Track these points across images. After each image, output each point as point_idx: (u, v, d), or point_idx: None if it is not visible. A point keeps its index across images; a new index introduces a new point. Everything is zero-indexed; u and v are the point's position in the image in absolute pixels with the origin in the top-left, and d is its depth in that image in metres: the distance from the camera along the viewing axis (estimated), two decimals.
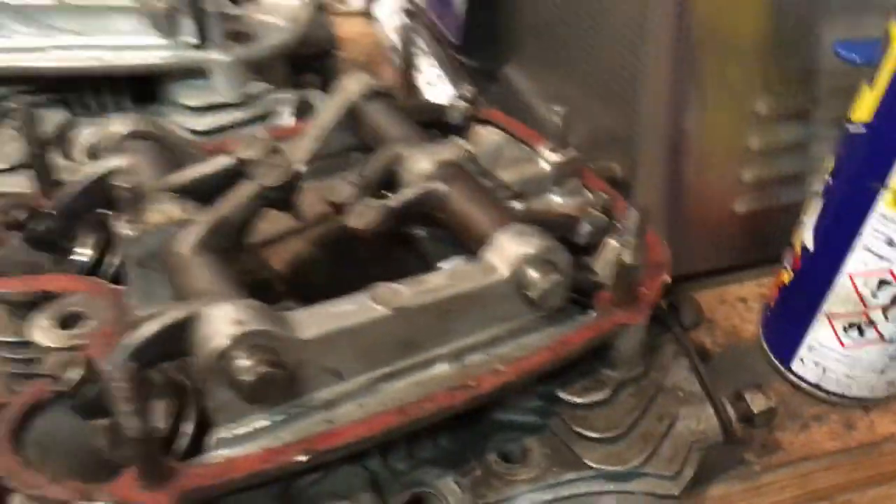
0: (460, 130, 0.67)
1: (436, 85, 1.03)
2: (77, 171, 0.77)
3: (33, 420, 0.44)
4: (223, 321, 0.41)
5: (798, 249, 0.66)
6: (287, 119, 0.84)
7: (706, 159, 0.70)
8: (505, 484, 0.51)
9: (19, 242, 0.59)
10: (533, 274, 0.47)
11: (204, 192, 0.53)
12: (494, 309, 0.48)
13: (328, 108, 0.64)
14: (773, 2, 0.64)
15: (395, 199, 0.54)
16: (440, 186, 0.54)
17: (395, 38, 1.15)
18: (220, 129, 0.82)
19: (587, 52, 0.77)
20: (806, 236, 0.65)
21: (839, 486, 0.68)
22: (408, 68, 0.68)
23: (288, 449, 0.43)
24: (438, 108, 0.66)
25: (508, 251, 0.48)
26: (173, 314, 0.43)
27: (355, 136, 0.65)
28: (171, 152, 0.58)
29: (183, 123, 0.81)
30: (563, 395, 0.52)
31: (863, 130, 0.59)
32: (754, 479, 0.64)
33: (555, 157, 0.61)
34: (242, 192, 0.49)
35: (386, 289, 0.46)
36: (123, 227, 0.49)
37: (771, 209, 0.75)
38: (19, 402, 0.44)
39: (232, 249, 0.49)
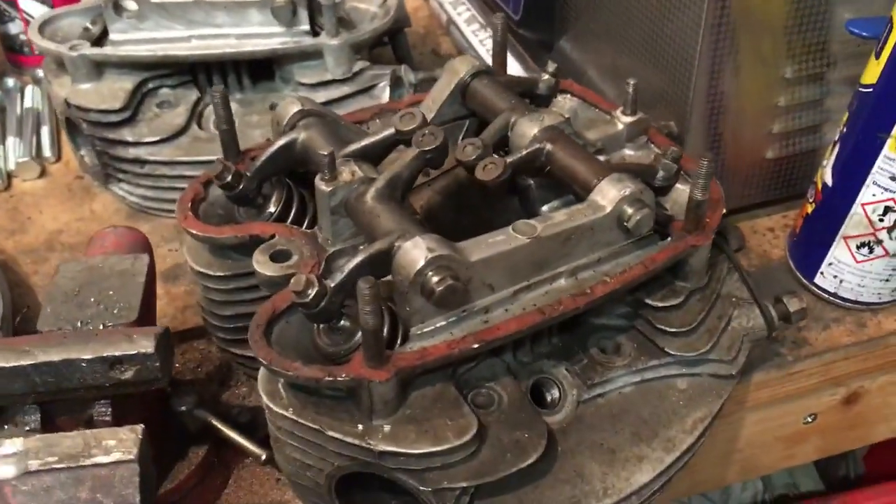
0: (547, 99, 0.83)
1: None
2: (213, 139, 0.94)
3: (275, 323, 0.61)
4: (418, 249, 0.58)
5: (819, 185, 0.83)
6: (384, 91, 1.00)
7: (742, 116, 0.86)
8: (606, 369, 0.69)
9: (216, 198, 0.76)
10: (628, 209, 0.64)
11: (373, 157, 0.69)
12: (600, 237, 0.65)
13: (441, 85, 0.80)
14: None
15: (512, 156, 0.70)
16: (547, 145, 0.70)
17: (449, 12, 1.30)
18: (332, 102, 0.98)
19: (641, 27, 0.92)
20: (826, 175, 0.81)
21: (854, 373, 0.85)
22: (501, 51, 0.84)
23: (464, 340, 0.60)
24: (530, 81, 0.82)
25: (610, 193, 0.64)
26: (379, 245, 0.60)
27: (463, 107, 0.81)
28: (329, 125, 0.74)
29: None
30: (648, 300, 0.69)
31: (870, 91, 0.75)
32: (787, 368, 0.82)
33: (627, 119, 0.77)
34: (407, 155, 0.66)
35: (524, 223, 0.63)
36: (321, 184, 0.65)
37: (794, 155, 0.91)
38: (266, 309, 0.61)
39: (401, 199, 0.65)
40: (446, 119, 0.80)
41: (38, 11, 1.21)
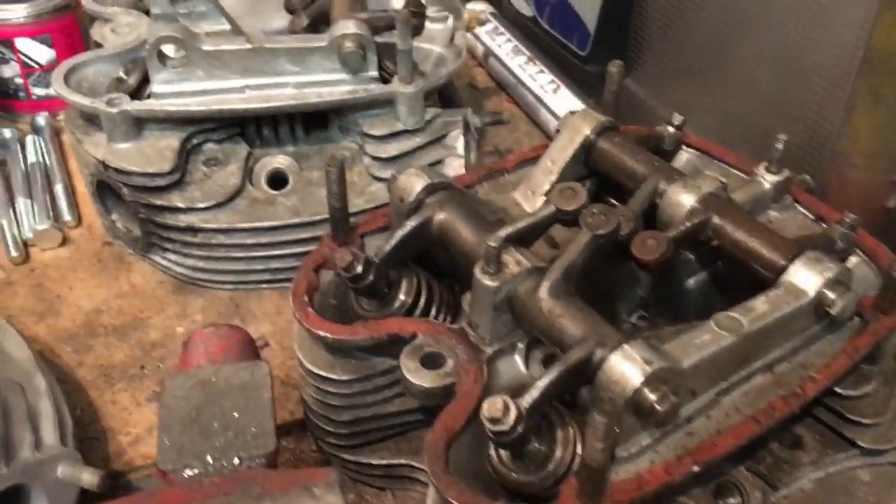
0: (672, 154, 0.76)
1: (547, 92, 1.10)
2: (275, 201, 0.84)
3: (452, 447, 0.52)
4: (631, 362, 0.50)
5: None
6: (457, 139, 0.91)
7: (875, 162, 0.81)
8: (792, 467, 0.61)
9: (327, 284, 0.66)
10: (830, 294, 0.57)
11: (530, 239, 0.60)
12: (796, 324, 0.58)
13: (562, 143, 0.72)
14: None
15: (675, 231, 0.62)
16: (714, 218, 0.63)
17: (487, 43, 1.21)
18: (404, 154, 0.88)
19: (762, 68, 0.85)
20: None
21: None
22: (616, 100, 0.76)
23: (681, 462, 0.51)
24: (656, 136, 0.74)
25: (809, 276, 0.57)
26: (577, 355, 0.51)
27: (585, 166, 0.73)
28: (462, 200, 0.65)
29: (372, 152, 0.88)
30: (839, 389, 0.62)
31: None
32: None
33: (774, 178, 0.70)
34: (580, 241, 0.57)
35: (727, 318, 0.55)
36: (484, 279, 0.56)
37: None
38: (439, 436, 0.52)
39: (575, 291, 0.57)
40: (567, 180, 0.72)
41: (38, 54, 1.09)
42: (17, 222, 0.95)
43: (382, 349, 0.61)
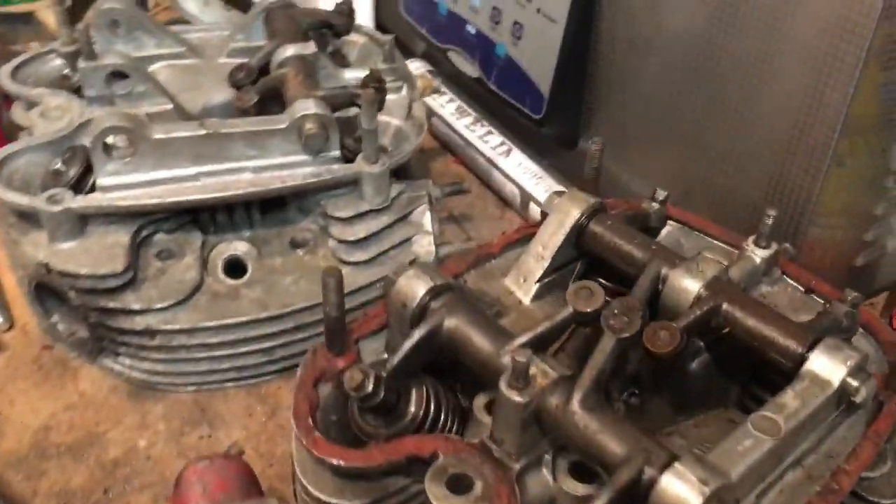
0: (657, 231, 0.75)
1: (500, 154, 1.08)
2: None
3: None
4: (685, 482, 0.47)
5: None
6: (423, 215, 0.88)
7: (844, 225, 0.82)
8: None
9: (324, 399, 0.61)
10: (855, 383, 0.56)
11: (547, 344, 0.58)
12: (823, 415, 0.57)
13: (552, 227, 0.70)
14: None
15: (685, 321, 0.61)
16: (724, 305, 0.61)
17: (429, 103, 1.18)
18: (372, 236, 0.84)
19: (707, 132, 0.86)
20: None
21: None
22: (597, 176, 0.74)
23: None
24: (642, 215, 0.73)
25: (832, 365, 0.56)
26: (625, 476, 0.48)
27: (574, 249, 0.71)
28: (470, 303, 0.61)
29: (338, 235, 0.83)
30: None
31: None
32: None
33: (764, 252, 0.70)
34: (605, 347, 0.54)
35: (763, 419, 0.53)
36: (513, 395, 0.53)
37: (882, 257, 0.88)
38: None
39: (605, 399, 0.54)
40: (557, 266, 0.70)
41: None
42: None
43: (396, 471, 0.57)
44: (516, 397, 0.53)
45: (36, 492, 0.73)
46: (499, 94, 1.06)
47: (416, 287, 0.60)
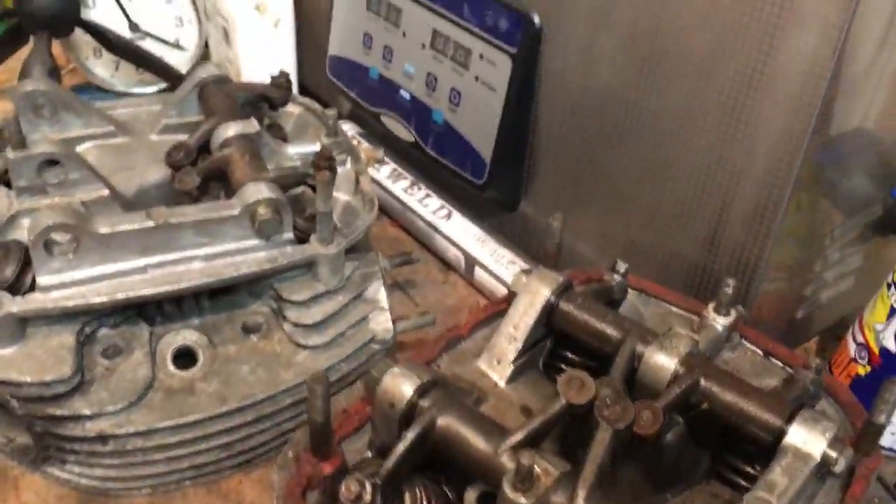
0: (620, 302, 0.76)
1: (440, 218, 1.08)
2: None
3: None
4: None
5: (876, 349, 0.83)
6: (378, 292, 0.87)
7: (779, 283, 0.86)
8: None
9: None
10: (834, 454, 0.58)
11: (541, 438, 0.57)
12: (808, 488, 0.59)
13: (522, 308, 0.70)
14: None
15: (665, 400, 0.62)
16: (701, 380, 0.63)
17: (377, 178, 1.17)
18: (328, 318, 0.83)
19: (641, 189, 0.88)
20: (887, 340, 0.82)
21: None
22: (558, 252, 0.75)
23: None
24: (608, 289, 0.74)
25: (810, 439, 0.58)
26: None
27: (544, 327, 0.71)
28: (457, 396, 0.61)
29: (295, 319, 0.81)
30: None
31: None
32: None
33: (725, 320, 0.72)
34: (602, 440, 0.55)
35: (757, 500, 0.55)
36: (518, 497, 0.52)
37: (821, 308, 0.92)
38: None
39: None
40: (529, 346, 0.70)
41: None
42: None
43: None
44: (522, 499, 0.52)
45: None
46: (438, 159, 1.06)
47: (403, 386, 0.59)
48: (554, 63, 0.93)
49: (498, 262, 1.00)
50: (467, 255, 1.03)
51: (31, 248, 0.72)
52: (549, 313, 0.70)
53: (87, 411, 0.73)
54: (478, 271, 1.02)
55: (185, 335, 0.82)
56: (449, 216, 1.07)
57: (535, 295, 0.70)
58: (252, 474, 0.81)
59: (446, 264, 1.08)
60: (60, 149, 0.81)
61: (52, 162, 0.82)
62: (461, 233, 1.05)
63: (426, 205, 1.09)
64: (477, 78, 0.98)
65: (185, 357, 0.81)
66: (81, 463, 0.76)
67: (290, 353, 0.82)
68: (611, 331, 0.68)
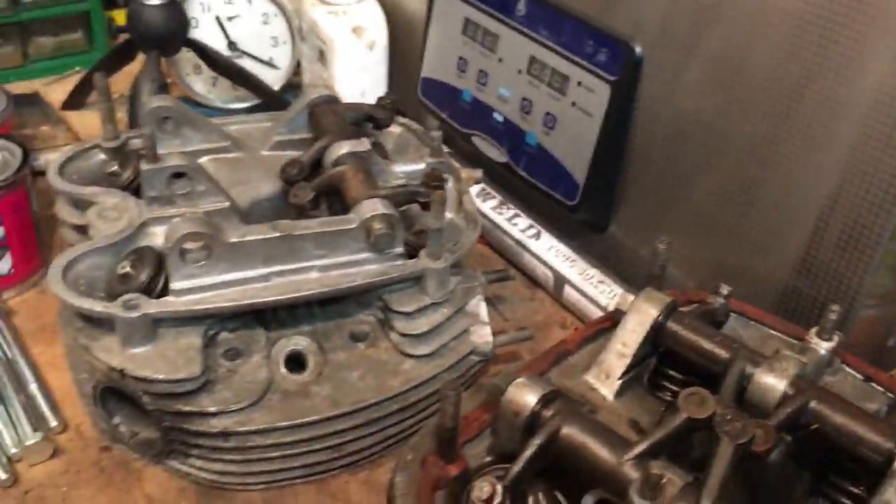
0: (722, 325, 0.79)
1: (529, 237, 1.12)
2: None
3: None
4: None
5: None
6: (479, 306, 0.91)
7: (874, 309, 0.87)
8: None
9: None
10: None
11: (662, 450, 0.60)
12: None
13: (632, 326, 0.73)
14: None
15: (776, 419, 0.64)
16: (812, 402, 0.65)
17: None
18: (434, 329, 0.86)
19: (749, 218, 0.91)
20: None
21: None
22: (662, 275, 0.78)
23: None
24: (711, 311, 0.77)
25: None
26: None
27: (651, 346, 0.74)
28: (576, 405, 0.64)
29: (402, 329, 0.85)
30: None
31: None
32: None
33: (828, 344, 0.74)
34: (724, 455, 0.57)
35: None
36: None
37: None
38: None
39: None
40: (636, 362, 0.73)
41: None
42: None
43: None
44: None
45: None
46: (529, 180, 1.10)
47: (527, 396, 0.63)
48: (650, 90, 0.97)
49: (587, 282, 1.03)
50: (556, 274, 1.06)
51: (168, 254, 0.77)
52: (656, 332, 0.73)
53: (212, 409, 0.78)
54: (567, 290, 1.06)
55: (296, 341, 0.86)
56: (538, 235, 1.10)
57: (644, 314, 0.73)
58: (358, 475, 0.84)
59: (534, 282, 1.11)
60: (187, 162, 0.87)
61: (179, 174, 0.87)
62: (550, 252, 1.08)
63: (515, 224, 1.12)
64: (574, 103, 1.01)
65: (294, 362, 0.85)
66: (203, 457, 0.80)
67: (396, 361, 0.86)
68: (719, 351, 0.70)
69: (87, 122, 1.34)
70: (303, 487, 0.83)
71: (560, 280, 1.06)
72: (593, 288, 1.03)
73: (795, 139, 0.84)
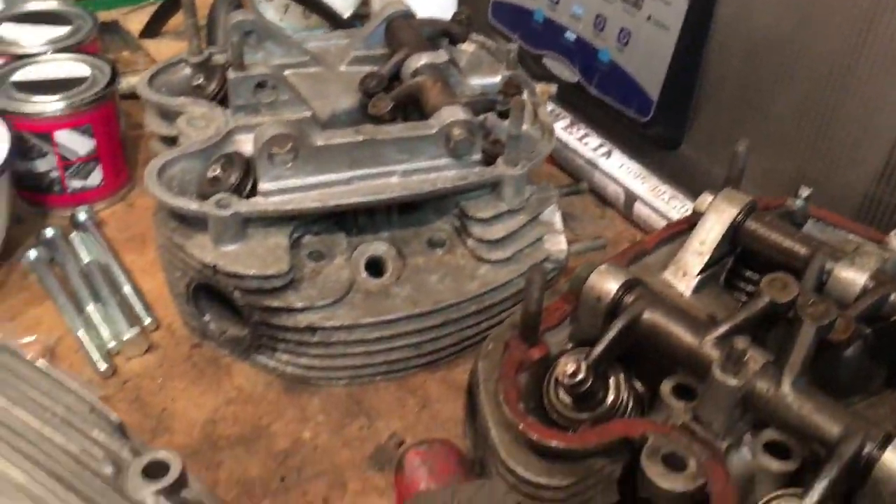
0: (800, 227, 0.79)
1: (600, 156, 1.12)
2: None
3: None
4: None
5: None
6: (553, 214, 0.92)
7: None
8: None
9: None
10: None
11: (743, 332, 0.62)
12: None
13: (710, 225, 0.74)
14: None
15: (856, 310, 0.65)
16: (893, 295, 0.66)
17: None
18: (509, 235, 0.88)
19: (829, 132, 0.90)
20: None
21: None
22: (739, 178, 0.78)
23: None
24: (790, 214, 0.78)
25: None
26: (845, 451, 0.53)
27: (728, 245, 0.75)
28: (657, 294, 0.66)
29: (479, 235, 0.87)
30: None
31: None
32: None
33: None
34: (806, 336, 0.59)
35: None
36: (727, 378, 0.57)
37: None
38: None
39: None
40: (714, 261, 0.75)
41: (78, 145, 1.03)
42: (96, 332, 0.89)
43: (602, 452, 0.61)
44: (731, 381, 0.57)
45: (216, 481, 0.76)
46: (600, 98, 1.10)
47: (609, 282, 0.65)
48: (727, 4, 0.96)
49: (659, 198, 1.04)
50: (627, 191, 1.07)
51: (257, 156, 0.81)
52: (734, 231, 0.74)
53: (299, 304, 0.81)
54: (637, 206, 1.06)
55: (376, 246, 0.89)
56: (609, 154, 1.11)
57: (723, 213, 0.74)
58: (436, 374, 0.88)
59: (604, 201, 1.12)
60: (274, 73, 0.89)
61: (263, 84, 0.90)
62: (621, 169, 1.09)
63: (586, 143, 1.13)
64: (649, 17, 1.01)
65: (373, 268, 0.88)
66: (289, 352, 0.84)
67: (472, 266, 0.88)
68: (799, 247, 0.71)
69: (164, 49, 1.37)
70: (384, 384, 0.86)
71: (631, 197, 1.07)
72: (665, 203, 1.03)
73: (876, 55, 0.83)
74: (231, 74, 0.88)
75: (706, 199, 0.76)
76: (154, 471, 0.48)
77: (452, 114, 0.84)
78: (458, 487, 0.58)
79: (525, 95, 0.97)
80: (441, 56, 0.93)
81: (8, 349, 0.54)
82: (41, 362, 0.55)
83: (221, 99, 0.92)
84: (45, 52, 1.08)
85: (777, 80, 0.94)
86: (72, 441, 0.48)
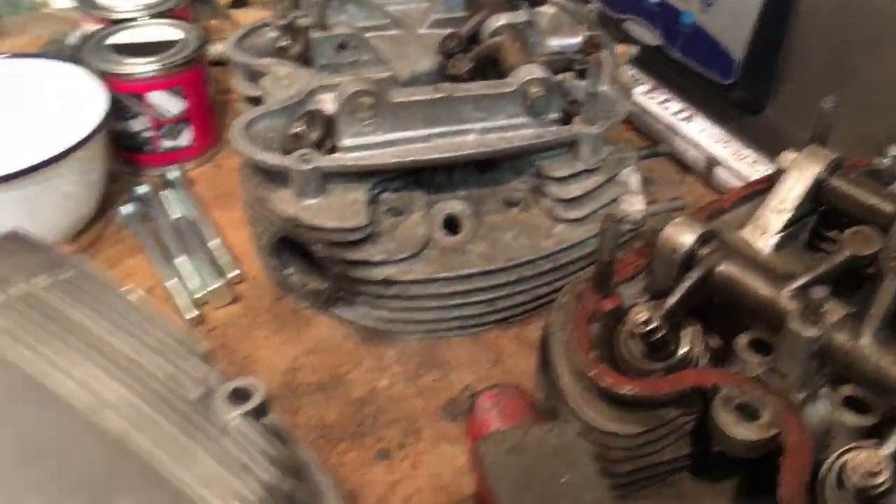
0: (887, 186, 0.77)
1: (681, 121, 1.11)
2: None
3: None
4: None
5: None
6: (631, 175, 0.92)
7: None
8: None
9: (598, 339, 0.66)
10: None
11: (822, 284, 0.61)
12: None
13: (792, 183, 0.73)
14: None
15: None
16: None
17: None
18: (586, 195, 0.88)
19: None
20: None
21: None
22: (824, 135, 0.77)
23: None
24: (877, 172, 0.75)
25: None
26: None
27: (811, 203, 0.74)
28: (731, 247, 0.65)
29: (555, 194, 0.88)
30: None
31: None
32: None
33: None
34: (889, 289, 0.58)
35: None
36: (804, 329, 0.56)
37: None
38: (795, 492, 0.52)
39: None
40: (795, 219, 0.73)
41: (170, 105, 1.07)
42: (184, 283, 0.93)
43: (673, 402, 0.61)
44: (809, 332, 0.56)
45: (296, 425, 0.79)
46: (682, 61, 1.09)
47: (684, 235, 0.65)
48: None
49: (741, 162, 1.02)
50: (709, 155, 1.06)
51: (338, 112, 0.83)
52: (818, 189, 0.72)
53: (377, 258, 0.83)
54: (718, 171, 1.05)
55: (452, 205, 0.90)
56: (690, 118, 1.09)
57: (806, 170, 0.72)
58: (509, 331, 0.89)
59: (683, 167, 1.11)
60: (356, 33, 0.91)
61: (345, 44, 0.92)
62: (702, 134, 1.07)
63: (666, 107, 1.12)
64: None
65: (449, 227, 0.90)
66: (367, 304, 0.87)
67: (548, 225, 0.88)
68: (885, 205, 0.69)
69: (251, 17, 1.41)
70: (457, 339, 0.88)
71: (712, 162, 1.06)
72: (748, 167, 1.01)
73: None
74: (315, 34, 0.90)
75: (789, 156, 0.74)
76: (240, 396, 0.50)
77: (530, 72, 0.84)
78: (529, 429, 0.59)
79: (605, 55, 0.96)
80: (520, 16, 0.93)
81: (102, 283, 0.58)
82: (139, 293, 0.58)
83: (305, 60, 0.95)
84: (139, 17, 1.13)
85: (870, 40, 0.91)
86: (163, 365, 0.51)
